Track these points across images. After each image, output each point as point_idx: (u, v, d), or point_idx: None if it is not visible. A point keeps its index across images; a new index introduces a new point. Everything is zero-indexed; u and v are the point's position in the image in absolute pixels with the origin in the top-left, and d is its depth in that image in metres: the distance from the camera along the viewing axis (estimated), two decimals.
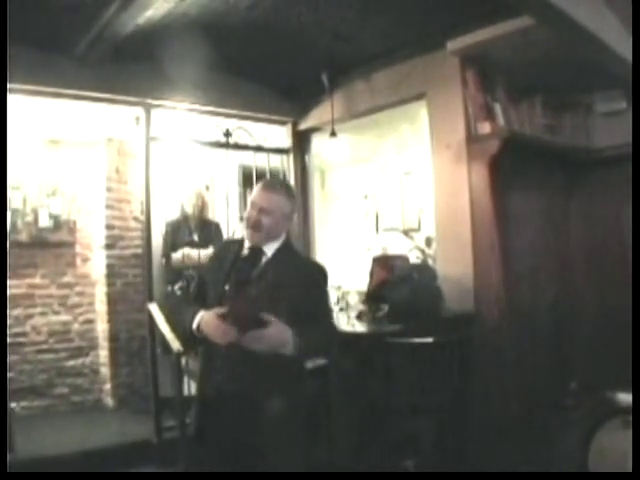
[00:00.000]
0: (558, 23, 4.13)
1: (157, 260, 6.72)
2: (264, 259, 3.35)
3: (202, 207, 7.07)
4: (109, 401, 7.46)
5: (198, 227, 6.87)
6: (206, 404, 3.29)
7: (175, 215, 7.16)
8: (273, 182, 3.88)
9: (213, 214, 6.96)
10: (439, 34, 5.50)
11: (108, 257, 7.44)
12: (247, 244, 3.40)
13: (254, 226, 3.31)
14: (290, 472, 3.12)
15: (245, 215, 3.38)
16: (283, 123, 7.48)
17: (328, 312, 3.60)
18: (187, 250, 6.69)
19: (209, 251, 6.61)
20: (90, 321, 7.64)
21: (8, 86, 5.35)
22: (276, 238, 3.40)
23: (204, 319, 3.15)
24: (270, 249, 3.37)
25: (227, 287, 3.30)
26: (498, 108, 5.68)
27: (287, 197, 3.41)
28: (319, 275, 3.45)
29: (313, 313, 3.29)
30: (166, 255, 6.65)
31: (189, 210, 7.07)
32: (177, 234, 6.87)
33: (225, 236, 6.96)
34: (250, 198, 3.39)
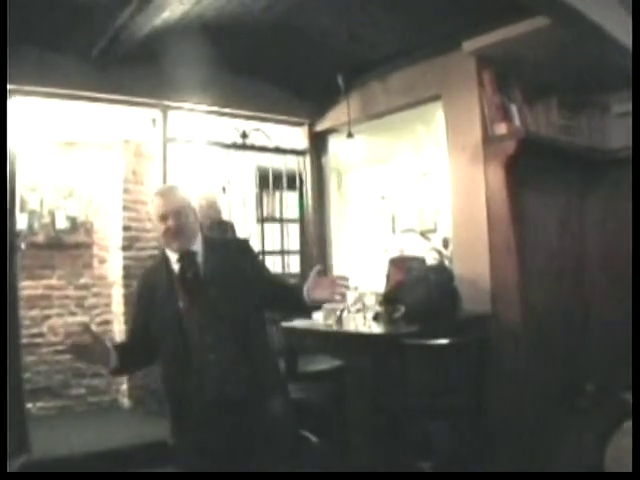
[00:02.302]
0: (573, 23, 4.15)
1: None
2: (199, 258, 3.37)
3: (208, 209, 7.08)
4: (125, 402, 7.50)
5: (210, 228, 6.88)
6: (202, 411, 3.22)
7: None
8: (165, 188, 3.99)
9: (229, 215, 6.96)
10: (455, 35, 5.50)
11: (125, 258, 7.48)
12: (175, 257, 3.36)
13: (177, 233, 3.31)
14: (290, 472, 3.13)
15: (161, 229, 3.35)
16: (300, 124, 7.49)
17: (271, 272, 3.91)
18: None
19: None
20: (107, 322, 7.69)
21: (25, 88, 5.45)
22: (196, 235, 3.43)
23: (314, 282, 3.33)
24: (197, 247, 3.39)
25: (181, 302, 3.28)
26: (514, 109, 5.69)
27: (181, 194, 3.47)
28: (248, 245, 3.68)
29: (268, 278, 3.59)
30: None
31: (199, 212, 7.08)
32: None
33: (239, 236, 6.97)
34: (156, 212, 3.37)
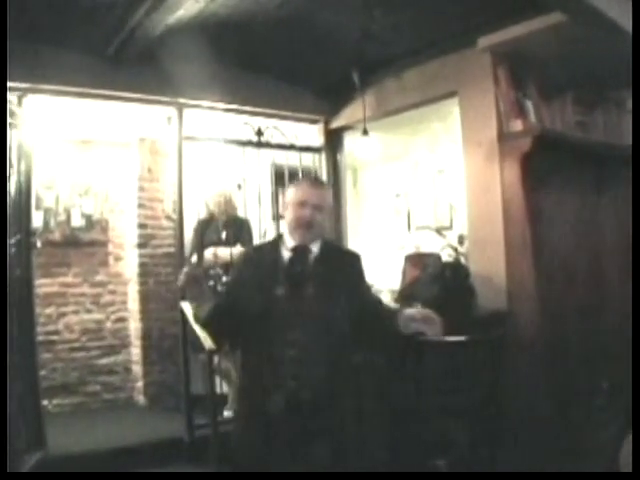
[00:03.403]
0: (589, 19, 4.14)
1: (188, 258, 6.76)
2: (312, 257, 3.39)
3: (226, 206, 7.08)
4: (141, 399, 7.56)
5: (226, 225, 6.89)
6: (274, 417, 3.18)
7: (204, 214, 7.19)
8: (317, 179, 4.02)
9: (245, 213, 6.97)
10: (470, 31, 5.49)
11: (140, 256, 7.55)
12: (290, 244, 3.41)
13: (308, 225, 3.35)
14: (291, 472, 3.12)
15: (293, 215, 3.39)
16: (315, 122, 7.50)
17: (372, 292, 3.85)
18: (215, 249, 6.71)
19: (238, 249, 6.64)
20: (122, 319, 7.76)
21: (41, 87, 5.48)
22: (321, 236, 3.47)
23: (410, 316, 3.27)
24: (315, 247, 3.42)
25: (279, 290, 3.27)
26: (530, 105, 5.67)
27: (330, 193, 3.57)
28: (359, 262, 3.59)
29: (368, 299, 3.54)
30: (198, 254, 6.67)
31: (214, 209, 7.08)
32: (206, 233, 6.90)
33: (256, 234, 6.99)
34: (296, 197, 3.41)
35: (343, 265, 3.48)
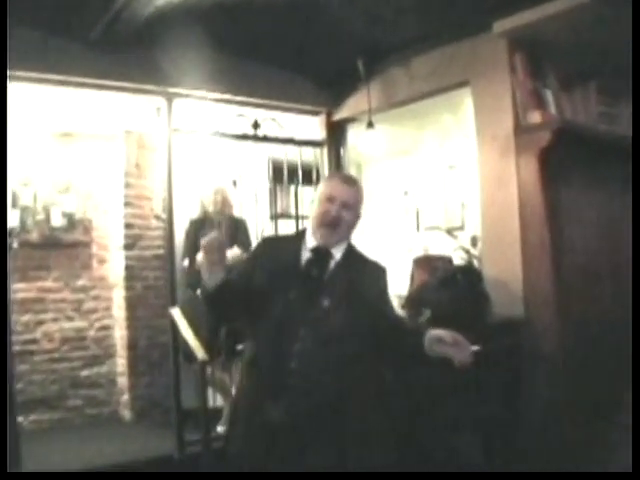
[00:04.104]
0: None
1: (180, 261, 6.77)
2: (333, 262, 3.34)
3: (223, 204, 7.09)
4: (127, 414, 7.55)
5: (221, 225, 6.90)
6: (275, 429, 3.16)
7: (197, 213, 7.20)
8: (350, 176, 3.96)
9: (241, 211, 6.99)
10: (484, 15, 5.50)
11: (127, 258, 7.54)
12: (311, 244, 3.36)
13: (333, 223, 3.28)
14: (291, 472, 3.12)
15: (318, 210, 3.34)
16: (316, 113, 7.53)
17: (395, 310, 3.71)
18: None
19: (234, 251, 6.66)
20: (107, 327, 7.74)
21: (17, 74, 5.46)
22: (346, 239, 3.42)
23: (437, 337, 3.11)
24: (338, 252, 3.36)
25: (292, 293, 3.23)
26: (549, 95, 5.69)
27: (362, 194, 3.47)
28: (384, 277, 3.52)
29: (389, 317, 3.42)
30: (189, 256, 6.69)
31: (209, 208, 7.09)
32: (199, 233, 6.91)
33: (253, 235, 7.00)
34: (325, 192, 3.36)
35: (366, 277, 3.40)
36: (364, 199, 3.47)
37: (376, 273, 3.50)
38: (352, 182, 3.48)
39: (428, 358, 3.18)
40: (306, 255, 3.34)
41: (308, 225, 3.45)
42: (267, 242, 3.89)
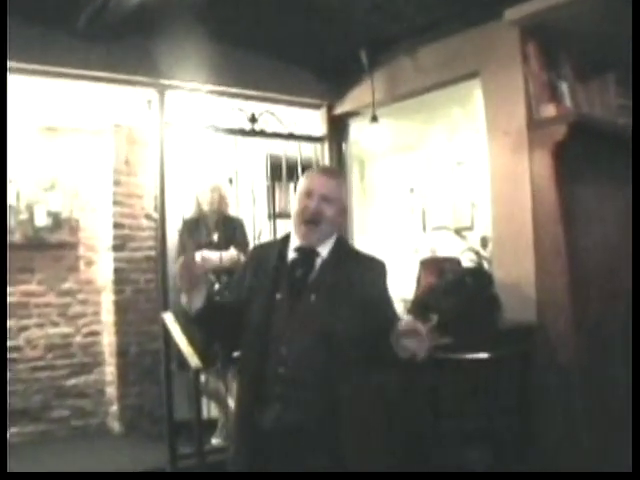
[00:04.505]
0: None
1: (173, 263, 6.75)
2: (319, 261, 3.32)
3: (220, 203, 7.08)
4: (116, 425, 7.55)
5: (217, 226, 6.90)
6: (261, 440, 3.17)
7: (192, 213, 7.19)
8: (330, 168, 3.93)
9: (237, 211, 6.98)
10: (495, 2, 5.49)
11: (116, 260, 7.54)
12: (295, 244, 3.35)
13: (313, 219, 3.25)
14: (291, 472, 3.11)
15: (297, 207, 3.31)
16: (316, 107, 7.53)
17: (395, 312, 3.51)
18: (206, 252, 6.72)
19: (231, 253, 6.66)
20: (94, 333, 7.76)
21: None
22: (331, 235, 3.38)
23: (398, 330, 2.97)
24: (324, 249, 3.34)
25: (278, 296, 3.24)
26: (564, 87, 5.67)
27: (345, 185, 3.48)
28: (381, 274, 3.45)
29: (383, 315, 3.30)
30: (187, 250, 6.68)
31: (205, 207, 7.08)
32: (194, 234, 6.90)
33: (250, 235, 7.00)
34: (303, 187, 3.34)
35: (359, 273, 3.33)
36: (347, 191, 3.45)
37: (371, 269, 3.45)
38: (332, 174, 3.49)
39: (398, 360, 3.05)
40: (291, 255, 3.35)
41: (291, 224, 3.43)
42: (256, 250, 3.92)
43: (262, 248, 3.83)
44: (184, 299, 3.13)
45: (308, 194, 3.28)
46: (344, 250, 3.45)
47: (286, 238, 3.45)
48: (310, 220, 3.25)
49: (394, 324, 3.14)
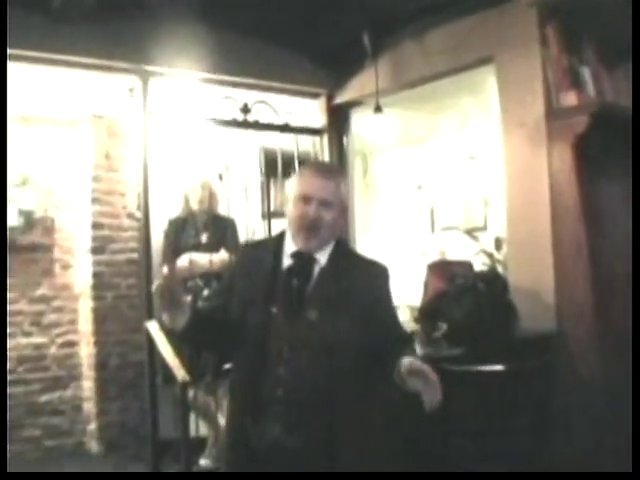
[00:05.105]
0: None
1: (157, 267, 6.75)
2: (317, 268, 3.30)
3: (210, 201, 7.09)
4: (94, 445, 7.56)
5: (207, 226, 6.91)
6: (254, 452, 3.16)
7: (178, 212, 7.19)
8: (326, 166, 3.89)
9: (228, 210, 6.99)
10: None
11: (95, 264, 7.57)
12: (291, 249, 3.32)
13: (313, 226, 3.22)
14: (292, 472, 3.11)
15: (294, 213, 3.27)
16: (315, 96, 7.54)
17: (399, 322, 3.54)
18: (192, 255, 6.73)
19: (221, 255, 6.67)
20: (71, 344, 7.76)
21: None
22: (331, 240, 3.36)
23: (405, 367, 2.94)
24: (323, 255, 3.32)
25: (274, 310, 3.21)
26: (587, 74, 5.68)
27: (345, 185, 3.40)
28: (384, 280, 3.46)
29: (386, 325, 3.34)
30: (169, 261, 6.68)
31: (194, 205, 7.09)
32: (181, 235, 6.90)
33: (243, 236, 7.00)
34: (299, 191, 3.28)
35: (360, 280, 3.33)
36: (347, 189, 3.41)
37: (374, 274, 3.45)
38: (329, 173, 3.41)
39: (394, 386, 3.07)
40: (287, 262, 3.33)
41: (287, 227, 3.41)
42: (246, 251, 3.90)
43: (254, 249, 3.79)
44: (165, 318, 3.10)
45: (306, 199, 3.24)
46: (344, 255, 3.43)
47: (280, 238, 3.43)
48: (309, 227, 3.23)
49: (398, 341, 3.26)
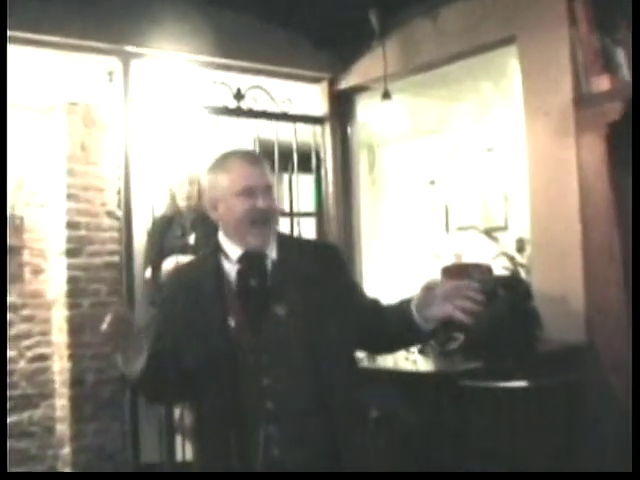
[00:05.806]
0: None
1: (140, 272, 6.75)
2: (269, 263, 3.30)
3: (198, 198, 7.10)
4: (68, 471, 7.50)
5: (195, 225, 6.91)
6: None
7: (164, 209, 7.19)
8: (248, 151, 3.89)
9: None
10: None
11: (70, 268, 7.54)
12: (234, 253, 3.29)
13: (265, 217, 3.23)
14: (293, 472, 3.08)
15: (240, 210, 3.22)
16: (316, 80, 7.55)
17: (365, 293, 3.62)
18: (181, 258, 6.74)
19: None
20: (43, 358, 7.74)
21: None
22: (275, 231, 3.40)
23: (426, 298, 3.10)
24: (271, 249, 3.33)
25: (232, 323, 3.19)
26: (621, 56, 5.65)
27: (269, 168, 3.41)
28: (337, 256, 3.56)
29: (362, 301, 3.44)
30: (152, 265, 6.69)
31: (181, 202, 7.09)
32: (166, 235, 6.91)
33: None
34: (237, 185, 3.24)
35: (315, 265, 3.36)
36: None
37: (327, 254, 3.54)
38: (257, 158, 3.47)
39: (426, 334, 3.21)
40: (232, 269, 3.29)
41: (220, 236, 3.39)
42: (176, 277, 3.87)
43: (184, 272, 3.76)
44: (119, 361, 3.04)
45: (249, 192, 3.21)
46: (290, 244, 3.48)
47: (213, 253, 3.39)
48: (261, 220, 3.23)
49: (376, 306, 3.42)
